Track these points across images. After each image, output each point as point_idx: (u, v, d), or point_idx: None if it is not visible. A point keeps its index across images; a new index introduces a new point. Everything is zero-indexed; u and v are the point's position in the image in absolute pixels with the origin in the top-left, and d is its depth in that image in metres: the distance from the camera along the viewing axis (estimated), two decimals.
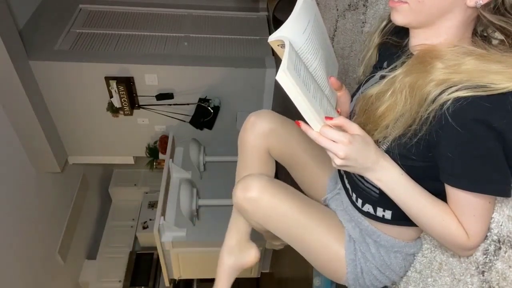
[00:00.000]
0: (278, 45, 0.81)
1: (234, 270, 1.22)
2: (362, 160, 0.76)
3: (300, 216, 1.01)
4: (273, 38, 0.80)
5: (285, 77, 0.71)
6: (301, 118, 0.77)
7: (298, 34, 0.81)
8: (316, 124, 0.75)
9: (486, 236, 0.79)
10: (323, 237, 1.03)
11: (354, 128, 0.76)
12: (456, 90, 0.68)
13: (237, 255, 1.20)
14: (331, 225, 1.05)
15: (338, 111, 0.90)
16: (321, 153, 1.14)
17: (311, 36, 0.83)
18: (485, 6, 0.70)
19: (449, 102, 0.69)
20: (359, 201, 0.97)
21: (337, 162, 0.75)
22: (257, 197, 0.99)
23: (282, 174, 1.31)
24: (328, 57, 0.95)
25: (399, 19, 0.78)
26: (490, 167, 0.70)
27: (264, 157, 1.16)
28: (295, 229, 1.03)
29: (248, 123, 1.15)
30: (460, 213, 0.76)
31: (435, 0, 0.72)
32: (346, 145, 0.73)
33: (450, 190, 0.75)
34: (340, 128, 0.76)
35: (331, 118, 0.76)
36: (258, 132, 1.13)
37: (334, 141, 0.74)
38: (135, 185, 4.75)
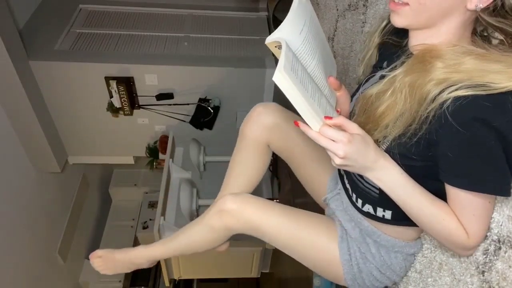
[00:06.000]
0: (275, 47, 0.81)
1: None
2: (362, 160, 0.76)
3: (288, 223, 1.04)
4: (270, 39, 0.80)
5: (281, 78, 0.70)
6: (300, 118, 0.77)
7: (295, 35, 0.81)
8: (315, 124, 0.75)
9: (486, 236, 0.79)
10: (315, 242, 1.05)
11: (353, 127, 0.76)
12: (456, 89, 0.68)
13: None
14: (321, 228, 1.06)
15: (338, 111, 0.90)
16: (323, 152, 1.14)
17: (308, 36, 0.83)
18: (484, 9, 0.70)
19: (449, 101, 0.69)
20: (359, 201, 0.97)
21: (337, 161, 0.75)
22: (238, 208, 1.04)
23: (283, 171, 1.31)
24: (326, 57, 0.95)
25: (399, 21, 0.78)
26: (490, 166, 0.70)
27: (261, 150, 1.17)
28: (284, 237, 1.05)
29: (254, 112, 1.15)
30: (460, 212, 0.76)
31: (436, 2, 0.72)
32: (346, 145, 0.73)
33: (450, 190, 0.75)
34: (339, 127, 0.76)
35: (330, 118, 0.76)
36: (263, 124, 1.14)
37: (333, 141, 0.74)
38: (135, 185, 4.75)
